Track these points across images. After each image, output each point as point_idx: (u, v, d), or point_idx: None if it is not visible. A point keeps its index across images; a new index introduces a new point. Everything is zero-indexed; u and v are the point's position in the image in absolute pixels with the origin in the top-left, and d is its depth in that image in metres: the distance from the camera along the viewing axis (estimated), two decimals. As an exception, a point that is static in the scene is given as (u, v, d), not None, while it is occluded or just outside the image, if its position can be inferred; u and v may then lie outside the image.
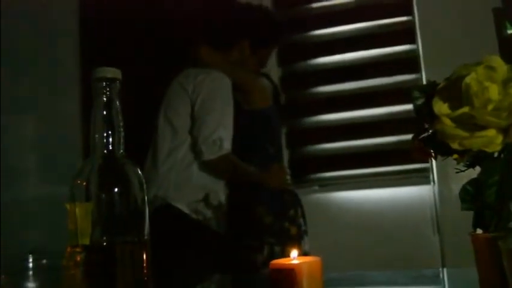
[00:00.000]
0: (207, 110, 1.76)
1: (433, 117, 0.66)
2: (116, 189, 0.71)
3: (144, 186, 0.74)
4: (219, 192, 1.80)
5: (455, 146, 0.64)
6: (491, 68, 0.65)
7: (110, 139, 0.73)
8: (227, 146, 1.74)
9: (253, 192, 1.81)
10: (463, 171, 0.74)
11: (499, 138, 0.62)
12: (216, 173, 1.78)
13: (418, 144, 0.71)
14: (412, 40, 2.19)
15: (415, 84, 2.03)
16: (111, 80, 0.74)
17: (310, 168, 2.30)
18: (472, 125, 0.64)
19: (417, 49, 2.17)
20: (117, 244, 0.68)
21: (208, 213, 1.72)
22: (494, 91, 0.63)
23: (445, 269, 1.59)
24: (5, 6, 2.28)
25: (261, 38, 1.92)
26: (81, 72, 2.40)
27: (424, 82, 2.01)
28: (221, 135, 1.73)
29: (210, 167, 1.75)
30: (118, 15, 2.28)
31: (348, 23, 2.29)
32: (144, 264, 0.70)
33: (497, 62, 0.65)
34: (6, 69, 2.22)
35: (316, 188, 2.28)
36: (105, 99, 0.74)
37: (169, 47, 2.15)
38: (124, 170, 0.73)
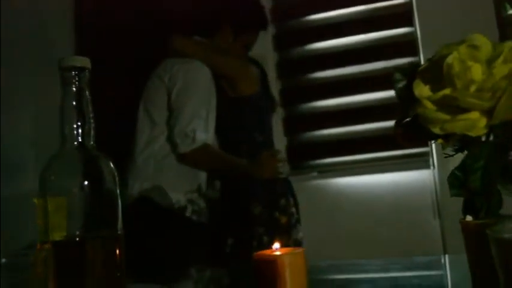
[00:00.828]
0: (182, 101, 1.72)
1: (414, 101, 0.63)
2: (87, 183, 0.68)
3: (117, 179, 0.71)
4: (201, 183, 1.78)
5: (436, 130, 0.60)
6: (474, 47, 0.61)
7: (80, 130, 0.70)
8: (202, 137, 1.70)
9: (242, 182, 1.78)
10: (452, 155, 0.71)
11: (483, 121, 0.59)
12: (193, 165, 1.74)
13: (401, 130, 0.68)
14: (410, 23, 2.14)
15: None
16: (80, 69, 0.71)
17: (308, 154, 2.27)
18: (455, 107, 0.60)
19: (415, 32, 2.12)
20: (86, 239, 0.66)
21: (192, 205, 1.70)
22: (477, 71, 0.60)
23: (446, 256, 1.57)
24: (5, 7, 2.25)
25: (242, 23, 1.87)
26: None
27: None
28: (195, 127, 1.69)
29: (185, 160, 1.72)
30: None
31: (345, 6, 2.25)
32: (117, 260, 0.67)
33: (481, 40, 0.62)
34: (6, 68, 2.19)
35: (315, 174, 2.25)
36: (74, 89, 0.71)
37: (151, 37, 2.11)
38: (96, 163, 0.70)
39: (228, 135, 1.85)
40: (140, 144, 1.77)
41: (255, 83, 1.89)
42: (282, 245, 0.78)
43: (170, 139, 1.73)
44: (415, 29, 2.12)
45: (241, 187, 1.79)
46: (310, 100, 2.29)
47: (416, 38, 2.11)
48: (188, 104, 1.71)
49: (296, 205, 1.84)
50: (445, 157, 0.71)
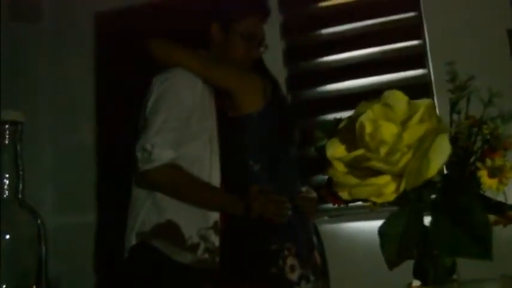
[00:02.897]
0: (151, 112, 1.52)
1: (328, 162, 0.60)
2: (8, 237, 0.68)
3: (42, 233, 0.70)
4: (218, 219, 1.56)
5: (345, 195, 0.56)
6: (388, 106, 0.57)
7: (8, 183, 0.70)
8: (165, 155, 1.46)
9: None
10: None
11: (391, 187, 0.55)
12: (154, 188, 1.51)
13: (325, 191, 0.64)
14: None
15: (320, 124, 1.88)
16: (12, 123, 0.71)
17: (319, 197, 2.21)
18: (368, 170, 0.57)
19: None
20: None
21: (205, 242, 1.50)
22: (388, 131, 0.56)
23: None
24: (24, 43, 2.36)
25: (229, 11, 1.64)
26: (96, 108, 2.44)
27: (432, 76, 1.94)
28: (156, 141, 1.46)
29: (144, 181, 1.50)
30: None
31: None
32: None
33: (397, 97, 0.58)
34: (28, 106, 2.28)
35: (326, 218, 2.18)
36: (6, 142, 0.71)
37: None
38: (19, 217, 0.70)
39: (226, 163, 1.61)
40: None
41: (258, 97, 1.59)
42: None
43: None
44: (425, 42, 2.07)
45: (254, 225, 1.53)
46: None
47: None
48: (157, 115, 1.51)
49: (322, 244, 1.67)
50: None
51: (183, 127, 1.52)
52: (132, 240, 1.55)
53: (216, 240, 1.55)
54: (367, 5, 2.19)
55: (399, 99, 0.58)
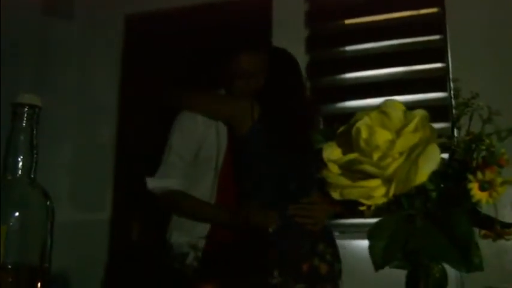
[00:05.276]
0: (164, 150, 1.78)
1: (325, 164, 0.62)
2: (17, 214, 0.72)
3: (50, 213, 0.74)
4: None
5: (336, 195, 0.58)
6: (384, 114, 0.59)
7: (21, 164, 0.74)
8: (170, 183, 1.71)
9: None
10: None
11: (381, 191, 0.56)
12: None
13: (323, 197, 0.66)
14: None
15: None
16: (31, 107, 0.75)
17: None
18: (360, 173, 0.59)
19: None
20: (9, 269, 0.68)
21: (195, 251, 1.67)
22: (382, 138, 0.58)
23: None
24: (53, 40, 2.43)
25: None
26: (118, 108, 2.49)
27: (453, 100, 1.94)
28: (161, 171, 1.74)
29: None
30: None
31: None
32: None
33: (393, 107, 0.60)
34: (51, 101, 2.35)
35: (337, 234, 2.18)
36: (23, 124, 0.75)
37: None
38: (30, 195, 0.74)
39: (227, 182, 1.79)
40: None
41: (245, 120, 1.73)
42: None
43: None
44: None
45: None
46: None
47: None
48: (166, 147, 1.76)
49: (336, 254, 1.72)
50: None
51: (187, 158, 1.75)
52: None
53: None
54: (392, 24, 2.22)
55: (396, 108, 0.59)
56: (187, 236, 1.72)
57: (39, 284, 0.71)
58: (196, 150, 1.77)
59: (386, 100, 0.60)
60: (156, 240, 1.81)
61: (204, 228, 1.73)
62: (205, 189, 1.75)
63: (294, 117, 1.74)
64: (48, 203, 0.74)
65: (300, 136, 1.68)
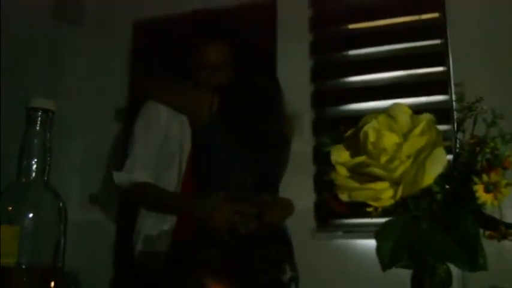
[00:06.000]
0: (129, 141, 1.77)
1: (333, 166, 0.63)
2: (31, 215, 0.73)
3: (63, 214, 0.75)
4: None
5: (344, 197, 0.60)
6: (392, 117, 0.61)
7: (35, 166, 0.76)
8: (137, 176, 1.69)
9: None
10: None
11: (389, 193, 0.58)
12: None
13: (329, 197, 0.68)
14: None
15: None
16: (45, 111, 0.77)
17: (334, 213, 2.22)
18: (368, 176, 0.60)
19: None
20: (13, 269, 0.70)
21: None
22: (389, 141, 0.60)
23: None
24: (63, 42, 2.45)
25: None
26: (128, 110, 2.51)
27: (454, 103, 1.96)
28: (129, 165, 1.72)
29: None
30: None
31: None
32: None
33: (401, 111, 0.62)
34: (62, 102, 2.37)
35: (340, 233, 2.20)
36: (37, 128, 0.77)
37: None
38: (43, 197, 0.76)
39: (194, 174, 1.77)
40: None
41: (203, 112, 1.70)
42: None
43: None
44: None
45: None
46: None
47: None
48: (130, 142, 1.75)
49: (291, 258, 1.64)
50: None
51: (153, 148, 1.72)
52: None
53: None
54: (394, 29, 2.23)
55: (403, 112, 0.61)
56: (156, 229, 1.71)
57: (52, 284, 0.73)
58: (161, 140, 1.74)
59: (394, 104, 0.62)
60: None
61: (171, 221, 1.71)
62: (168, 185, 1.71)
63: (252, 113, 1.71)
64: (61, 204, 0.76)
65: (259, 132, 1.68)
